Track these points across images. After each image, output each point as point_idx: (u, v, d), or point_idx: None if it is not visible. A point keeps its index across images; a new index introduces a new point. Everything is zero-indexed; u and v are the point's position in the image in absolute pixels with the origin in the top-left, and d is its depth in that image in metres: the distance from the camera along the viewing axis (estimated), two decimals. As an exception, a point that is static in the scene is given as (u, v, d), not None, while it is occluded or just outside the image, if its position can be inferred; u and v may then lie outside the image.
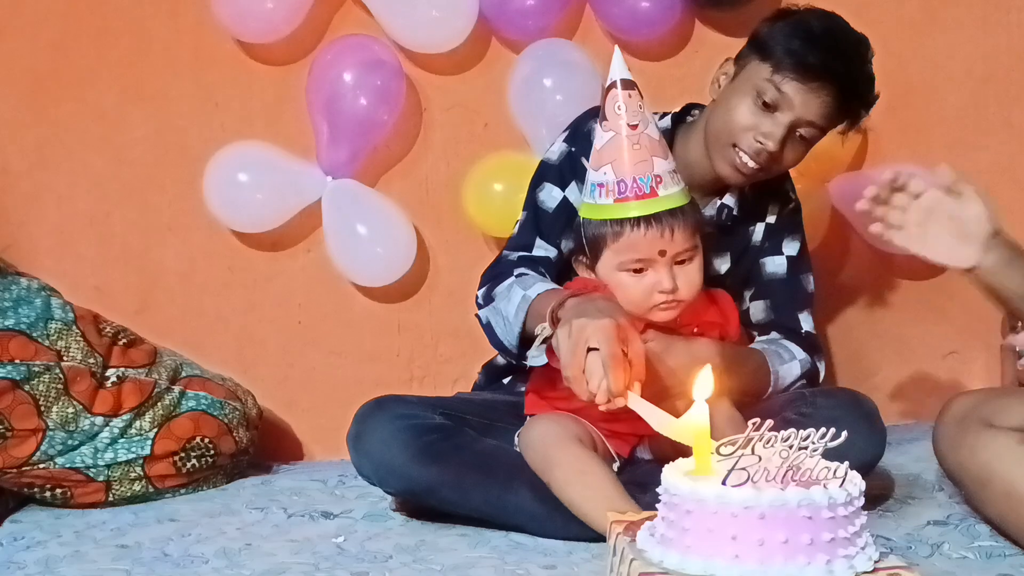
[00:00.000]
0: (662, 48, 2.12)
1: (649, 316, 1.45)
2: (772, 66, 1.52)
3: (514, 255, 1.63)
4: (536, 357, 1.42)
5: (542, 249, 1.62)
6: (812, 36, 1.51)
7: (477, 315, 1.60)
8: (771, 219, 1.70)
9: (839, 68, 1.51)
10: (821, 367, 1.66)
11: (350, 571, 1.38)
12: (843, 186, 2.09)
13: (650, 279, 1.43)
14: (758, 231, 1.70)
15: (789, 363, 1.60)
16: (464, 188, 2.07)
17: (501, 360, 1.78)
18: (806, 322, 1.67)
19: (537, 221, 1.64)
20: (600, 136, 1.43)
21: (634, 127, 1.40)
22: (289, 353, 2.14)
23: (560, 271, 1.60)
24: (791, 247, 1.70)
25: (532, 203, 1.66)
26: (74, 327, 1.82)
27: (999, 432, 1.35)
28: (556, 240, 1.61)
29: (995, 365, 2.16)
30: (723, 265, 1.67)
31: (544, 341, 1.38)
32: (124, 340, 1.90)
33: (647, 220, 1.40)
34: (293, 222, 2.09)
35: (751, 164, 1.55)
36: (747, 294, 1.69)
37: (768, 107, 1.52)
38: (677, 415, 1.24)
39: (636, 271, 1.43)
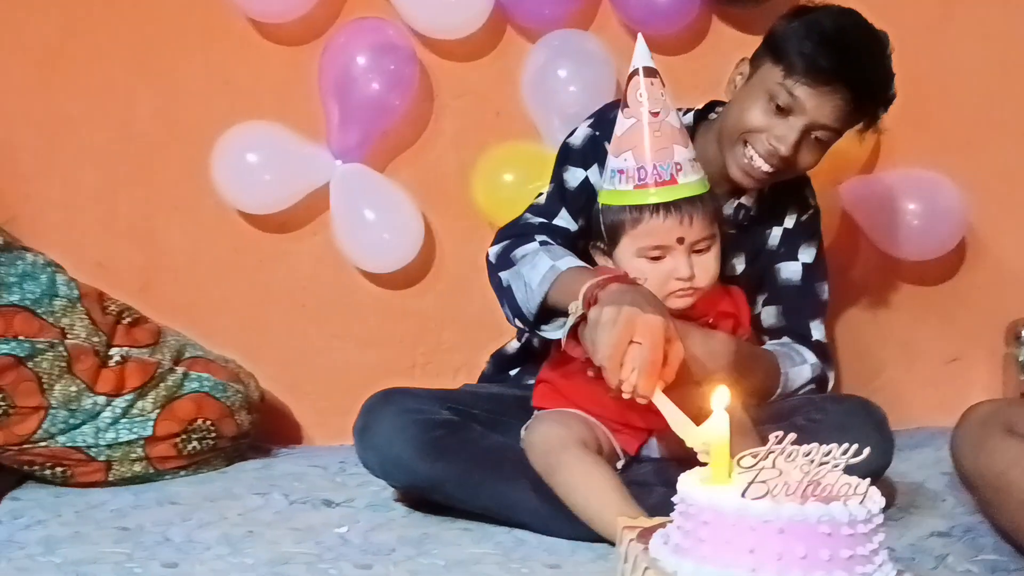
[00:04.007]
0: (678, 42, 2.11)
1: (665, 304, 1.44)
2: (784, 69, 1.51)
3: (535, 219, 1.61)
4: (552, 331, 1.42)
5: (564, 220, 1.60)
6: (824, 38, 1.50)
7: (498, 276, 1.56)
8: (789, 224, 1.69)
9: (851, 70, 1.50)
10: (831, 376, 1.66)
11: (354, 563, 1.37)
12: (855, 189, 2.08)
13: (667, 266, 1.43)
14: (775, 235, 1.69)
15: (800, 366, 1.60)
16: (473, 177, 2.05)
17: (510, 349, 1.77)
18: (817, 331, 1.67)
19: (563, 194, 1.62)
20: (621, 123, 1.44)
21: (655, 114, 1.41)
22: (292, 336, 2.13)
23: (576, 248, 1.57)
24: (807, 254, 1.69)
25: (559, 178, 1.64)
26: (79, 304, 1.80)
27: (1021, 439, 1.34)
28: (577, 216, 1.60)
29: (997, 373, 2.16)
30: (739, 265, 1.66)
31: (576, 321, 1.35)
32: (128, 319, 1.88)
33: (666, 207, 1.41)
34: (300, 205, 2.07)
35: (764, 167, 1.55)
36: (760, 299, 1.68)
37: (781, 111, 1.52)
38: (688, 403, 1.24)
39: (653, 258, 1.43)
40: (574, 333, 1.38)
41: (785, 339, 1.66)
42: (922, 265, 2.14)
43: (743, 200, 1.63)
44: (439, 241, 2.12)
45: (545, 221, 1.60)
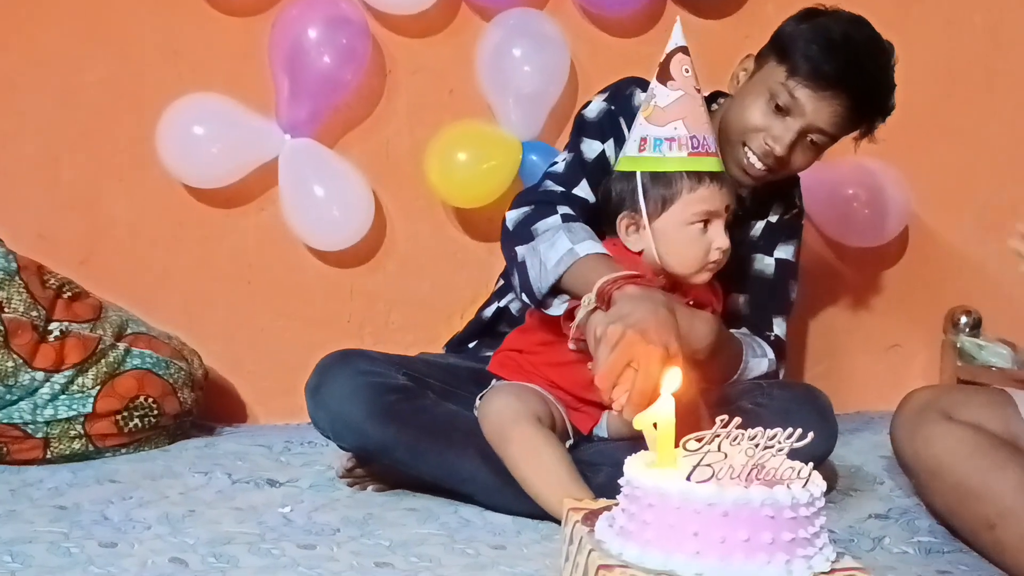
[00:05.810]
0: (632, 25, 2.11)
1: (693, 279, 1.47)
2: (787, 70, 1.53)
3: (557, 188, 1.58)
4: (555, 310, 1.43)
5: (583, 191, 1.58)
6: (831, 44, 1.51)
7: (513, 248, 1.53)
8: (772, 218, 1.72)
9: (854, 79, 1.52)
10: (781, 374, 1.67)
11: (297, 543, 1.36)
12: (804, 175, 2.08)
13: (711, 236, 1.45)
14: (758, 227, 1.71)
15: (760, 358, 1.62)
16: (427, 155, 2.03)
17: (487, 313, 1.76)
18: (778, 327, 1.68)
19: (583, 164, 1.60)
20: (666, 94, 1.43)
21: (698, 91, 1.44)
22: (237, 313, 2.10)
23: (591, 219, 1.54)
24: (784, 251, 1.71)
25: (576, 148, 1.62)
26: (17, 277, 1.75)
27: (956, 425, 1.38)
28: (594, 188, 1.58)
29: (936, 359, 2.21)
30: None
31: (587, 313, 1.34)
32: (69, 293, 1.83)
33: (719, 176, 1.44)
34: (248, 179, 2.03)
35: (758, 165, 1.57)
36: (731, 287, 1.69)
37: (780, 110, 1.54)
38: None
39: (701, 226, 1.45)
40: (571, 314, 1.38)
41: (744, 329, 1.67)
42: (866, 252, 2.18)
43: (739, 191, 1.65)
44: (390, 220, 2.11)
45: (564, 190, 1.58)
